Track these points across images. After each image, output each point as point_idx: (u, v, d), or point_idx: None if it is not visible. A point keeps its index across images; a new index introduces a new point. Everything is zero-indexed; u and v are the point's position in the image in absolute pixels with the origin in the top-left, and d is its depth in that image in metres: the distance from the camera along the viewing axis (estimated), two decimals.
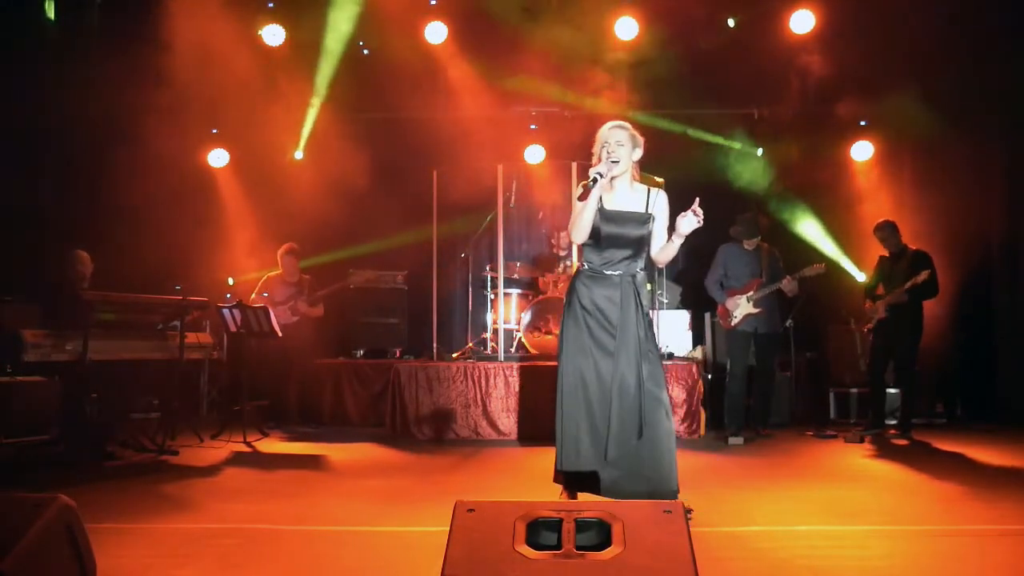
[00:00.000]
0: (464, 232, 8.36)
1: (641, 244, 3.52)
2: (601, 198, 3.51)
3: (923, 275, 6.01)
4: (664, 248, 3.50)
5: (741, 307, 6.21)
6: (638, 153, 3.55)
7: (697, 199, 3.34)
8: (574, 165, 6.88)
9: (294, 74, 7.98)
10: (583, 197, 3.42)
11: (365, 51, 8.16)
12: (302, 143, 8.50)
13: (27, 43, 6.78)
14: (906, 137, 7.62)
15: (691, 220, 3.31)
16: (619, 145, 3.48)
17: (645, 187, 3.60)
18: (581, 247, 3.65)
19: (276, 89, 7.95)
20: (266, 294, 7.08)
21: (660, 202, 3.56)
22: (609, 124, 3.55)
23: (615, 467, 3.34)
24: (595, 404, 3.39)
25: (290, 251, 7.18)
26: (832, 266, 6.88)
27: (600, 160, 3.49)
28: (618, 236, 3.46)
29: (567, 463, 3.41)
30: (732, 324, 6.26)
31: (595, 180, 3.37)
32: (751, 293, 6.20)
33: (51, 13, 6.83)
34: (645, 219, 3.51)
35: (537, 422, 6.11)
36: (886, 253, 6.45)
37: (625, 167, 3.50)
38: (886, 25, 7.09)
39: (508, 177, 7.61)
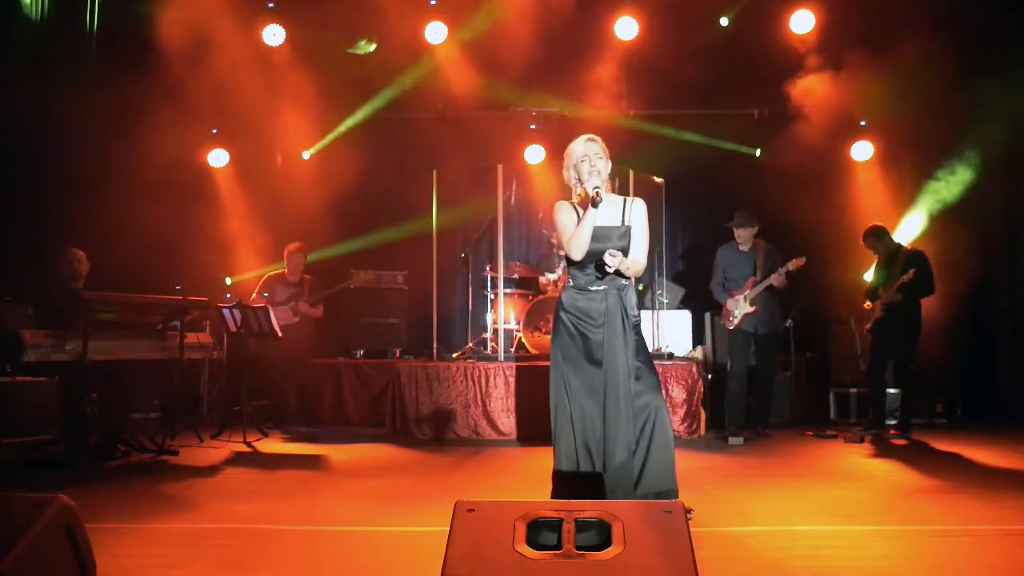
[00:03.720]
0: (464, 232, 8.35)
1: (623, 256, 3.49)
2: (578, 211, 3.53)
3: (909, 274, 6.02)
4: (631, 262, 3.46)
5: (740, 307, 6.23)
6: (610, 166, 3.54)
7: (608, 252, 3.32)
8: None
9: (295, 74, 7.97)
10: (586, 206, 3.40)
11: (366, 52, 8.15)
12: (318, 145, 8.50)
13: (21, 42, 6.77)
14: (906, 136, 7.62)
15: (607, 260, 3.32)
16: (598, 158, 3.48)
17: (620, 198, 3.61)
18: (567, 264, 3.64)
19: (276, 89, 7.95)
20: (266, 294, 7.07)
21: (636, 210, 3.55)
22: (582, 138, 3.53)
23: (612, 478, 3.34)
24: (586, 418, 3.38)
25: (299, 250, 7.16)
26: (832, 266, 6.87)
27: (579, 174, 3.49)
28: (600, 252, 3.39)
29: (564, 467, 3.42)
30: (733, 325, 6.27)
31: (599, 196, 3.34)
32: (747, 292, 6.21)
33: (34, 12, 6.81)
34: (624, 232, 3.50)
35: (537, 422, 6.10)
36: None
37: (605, 178, 3.49)
38: (886, 24, 7.09)
39: (508, 177, 7.60)
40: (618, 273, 3.43)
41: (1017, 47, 7.02)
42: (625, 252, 3.46)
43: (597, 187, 3.36)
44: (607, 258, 3.31)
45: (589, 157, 3.47)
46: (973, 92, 6.88)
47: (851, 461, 5.28)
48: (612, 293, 3.46)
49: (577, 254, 3.45)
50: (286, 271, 7.17)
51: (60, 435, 5.25)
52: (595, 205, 3.35)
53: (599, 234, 3.44)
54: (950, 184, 7.25)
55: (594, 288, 3.48)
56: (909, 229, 7.39)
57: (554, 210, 3.61)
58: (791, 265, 6.07)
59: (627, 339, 3.40)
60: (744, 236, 6.34)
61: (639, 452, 3.36)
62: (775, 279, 6.11)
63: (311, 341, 7.15)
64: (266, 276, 7.23)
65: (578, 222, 3.48)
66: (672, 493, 3.37)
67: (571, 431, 3.39)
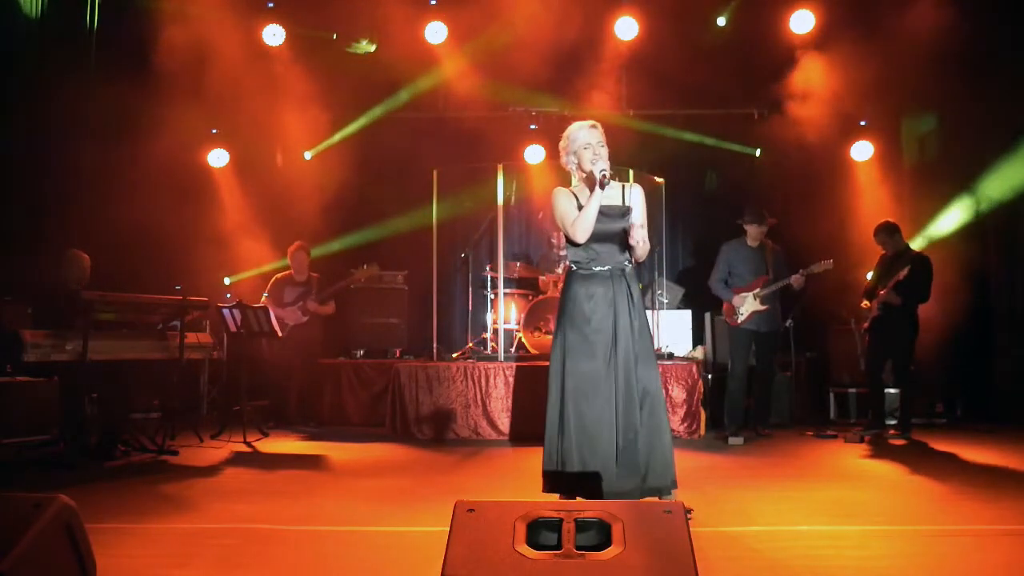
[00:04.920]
0: (464, 232, 8.35)
1: (624, 237, 3.54)
2: (577, 196, 3.56)
3: (903, 271, 6.01)
4: (635, 245, 3.48)
5: (747, 304, 6.22)
6: (607, 151, 3.56)
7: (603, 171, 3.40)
8: None
9: (295, 74, 7.97)
10: (599, 187, 3.40)
11: (366, 52, 8.15)
12: (321, 146, 8.51)
13: (20, 41, 6.77)
14: (906, 137, 7.63)
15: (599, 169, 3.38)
16: (601, 145, 3.52)
17: (619, 183, 3.64)
18: (567, 248, 3.66)
19: (276, 89, 7.95)
20: (266, 295, 7.08)
21: (635, 195, 3.61)
22: (584, 124, 3.57)
23: (617, 464, 3.34)
24: (594, 403, 3.39)
25: (301, 248, 7.17)
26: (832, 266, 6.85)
27: (580, 161, 3.53)
28: (602, 232, 3.49)
29: (566, 465, 3.41)
30: (738, 322, 6.27)
31: (606, 178, 3.38)
32: (758, 290, 6.21)
33: (33, 11, 6.80)
34: (624, 211, 3.55)
35: (537, 422, 5.97)
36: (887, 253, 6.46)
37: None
38: (887, 23, 7.10)
39: (508, 177, 7.61)
40: (626, 248, 3.48)
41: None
42: (627, 233, 3.50)
43: (604, 170, 3.40)
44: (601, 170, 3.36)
45: (592, 145, 3.51)
46: (975, 91, 6.89)
47: (851, 461, 5.28)
48: (616, 274, 3.50)
49: (582, 236, 3.47)
50: (292, 271, 7.18)
51: (60, 435, 5.25)
52: (602, 187, 3.40)
53: (600, 214, 3.47)
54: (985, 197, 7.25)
55: (598, 269, 3.51)
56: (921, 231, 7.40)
57: (552, 197, 3.62)
58: (817, 267, 6.08)
59: (632, 322, 3.43)
60: (756, 233, 6.34)
61: (642, 442, 3.36)
62: (796, 280, 6.11)
63: (320, 341, 7.17)
64: (275, 278, 7.24)
65: (578, 206, 3.51)
66: (673, 484, 3.40)
67: (570, 422, 3.39)
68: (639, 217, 3.56)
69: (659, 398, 3.44)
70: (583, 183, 3.60)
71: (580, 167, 3.56)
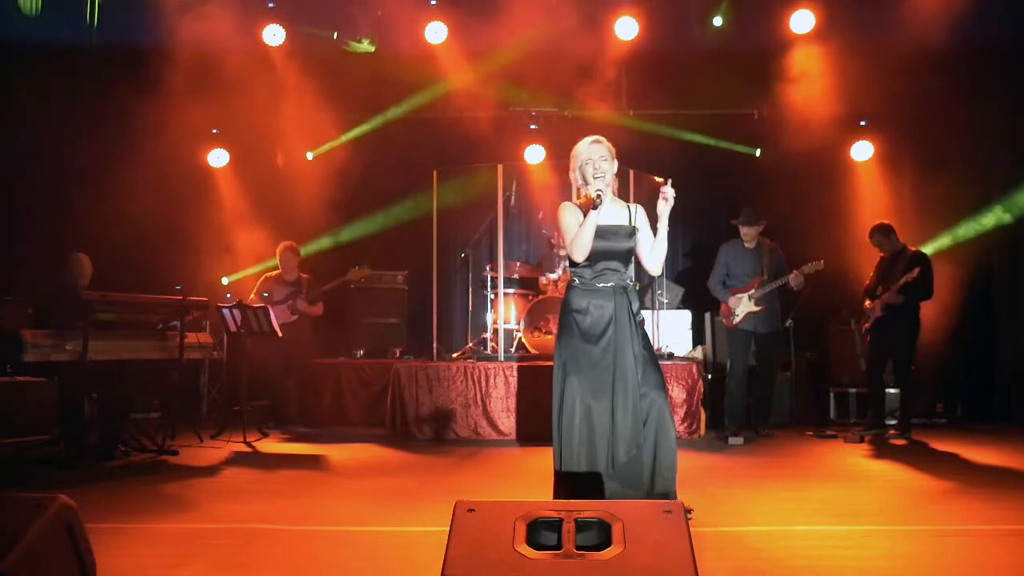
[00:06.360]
0: (464, 232, 8.35)
1: (629, 256, 3.57)
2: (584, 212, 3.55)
3: (914, 272, 6.01)
4: (654, 247, 3.54)
5: (743, 305, 6.22)
6: (615, 167, 3.56)
7: (669, 180, 3.40)
8: None
9: (295, 74, 7.97)
10: (588, 209, 3.41)
11: (367, 51, 8.14)
12: (323, 148, 8.51)
13: (19, 39, 6.77)
14: (906, 137, 7.62)
15: (663, 203, 3.39)
16: (603, 160, 3.51)
17: (624, 202, 3.67)
18: (571, 267, 3.67)
19: (276, 89, 7.95)
20: (265, 294, 7.07)
21: (641, 215, 3.63)
22: (587, 140, 3.56)
23: (618, 478, 3.35)
24: (593, 418, 3.38)
25: (290, 248, 7.16)
26: (832, 266, 6.87)
27: (584, 176, 3.53)
28: (609, 250, 3.49)
29: (566, 468, 3.41)
30: (735, 323, 6.27)
31: (600, 199, 3.38)
32: (752, 291, 6.21)
33: (32, 9, 6.80)
34: (631, 232, 3.56)
35: (537, 422, 6.10)
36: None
37: (610, 181, 3.53)
38: (888, 22, 7.10)
39: (508, 177, 7.61)
40: (629, 266, 3.50)
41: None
42: (631, 253, 3.55)
43: (599, 190, 3.41)
44: (666, 188, 3.38)
45: (593, 160, 3.50)
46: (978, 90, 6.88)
47: (851, 461, 5.28)
48: (619, 290, 3.49)
49: (579, 255, 3.47)
50: (281, 270, 7.17)
51: (60, 435, 5.25)
52: (595, 207, 3.39)
53: (607, 232, 3.48)
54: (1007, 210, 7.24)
55: (601, 286, 3.51)
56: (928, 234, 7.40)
57: (559, 212, 3.63)
58: (808, 268, 6.08)
59: (634, 336, 3.43)
60: (750, 234, 6.34)
61: (646, 452, 3.36)
62: (794, 279, 6.11)
63: (310, 340, 7.14)
64: (264, 277, 7.23)
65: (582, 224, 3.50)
66: (672, 495, 3.38)
67: (575, 432, 3.39)
68: (648, 234, 3.59)
69: (665, 412, 3.42)
70: (583, 203, 3.60)
71: (586, 183, 3.55)
